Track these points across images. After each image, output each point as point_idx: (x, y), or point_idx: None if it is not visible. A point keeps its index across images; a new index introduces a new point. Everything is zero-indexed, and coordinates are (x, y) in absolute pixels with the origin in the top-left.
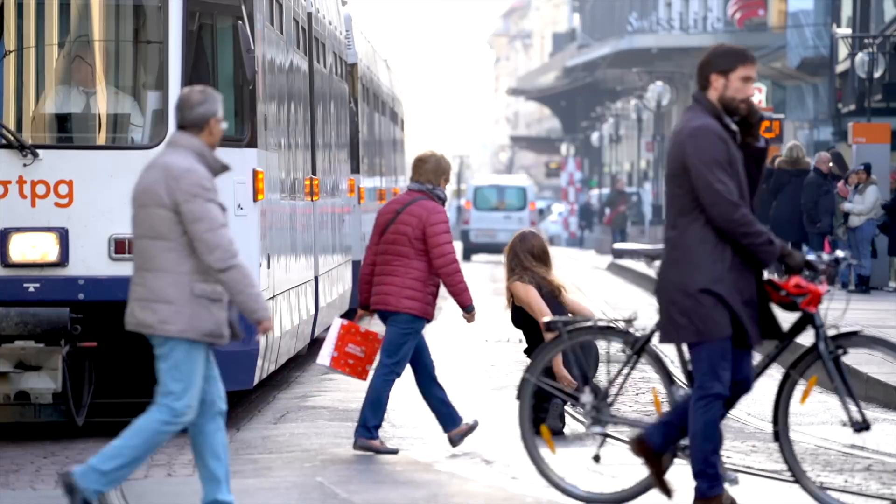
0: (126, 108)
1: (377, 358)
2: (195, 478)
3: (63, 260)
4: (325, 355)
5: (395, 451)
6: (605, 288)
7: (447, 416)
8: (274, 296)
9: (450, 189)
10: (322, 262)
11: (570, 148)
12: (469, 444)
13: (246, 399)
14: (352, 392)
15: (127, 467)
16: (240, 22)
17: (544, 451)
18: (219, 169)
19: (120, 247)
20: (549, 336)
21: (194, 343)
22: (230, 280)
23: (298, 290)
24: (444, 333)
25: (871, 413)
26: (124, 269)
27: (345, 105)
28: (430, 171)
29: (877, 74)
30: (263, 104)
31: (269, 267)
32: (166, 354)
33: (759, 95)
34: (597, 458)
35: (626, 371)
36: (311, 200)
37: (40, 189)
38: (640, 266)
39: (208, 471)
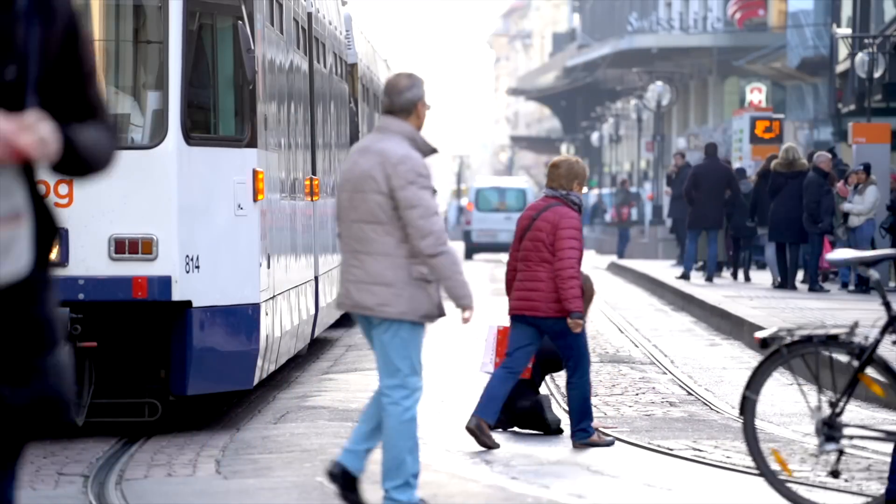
0: (126, 108)
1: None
2: (195, 477)
3: (63, 260)
4: (487, 363)
5: (612, 443)
6: (605, 288)
7: (487, 408)
8: (274, 296)
9: (449, 189)
10: (322, 262)
11: (570, 148)
12: (469, 444)
13: (246, 399)
14: (352, 392)
15: (414, 461)
16: (240, 22)
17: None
18: (428, 151)
19: (120, 247)
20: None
21: (414, 324)
22: (439, 265)
23: (298, 290)
24: (445, 333)
25: (872, 413)
26: (124, 269)
27: (345, 105)
28: (563, 177)
29: (877, 74)
30: (263, 104)
31: (269, 267)
32: (391, 336)
33: (759, 95)
34: (835, 474)
35: (851, 384)
36: (311, 200)
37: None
38: (640, 266)
39: (366, 431)
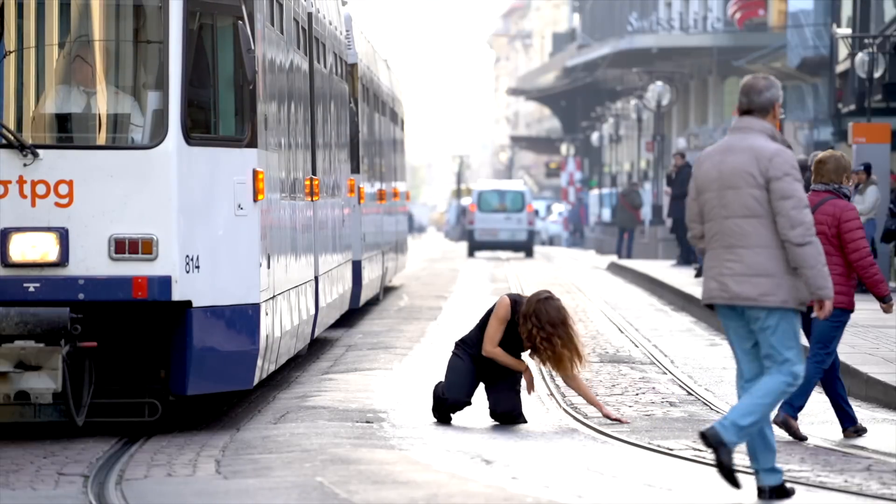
0: (126, 108)
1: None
2: (195, 477)
3: (63, 260)
4: None
5: (804, 438)
6: (605, 288)
7: (844, 414)
8: (274, 296)
9: (449, 190)
10: (322, 262)
11: (570, 148)
12: (469, 444)
13: (246, 399)
14: (352, 392)
15: (757, 423)
16: (240, 22)
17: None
18: (787, 147)
19: (120, 247)
20: None
21: (794, 311)
22: (806, 255)
23: (298, 290)
24: (445, 332)
25: (872, 413)
26: (124, 268)
27: (345, 105)
28: (832, 171)
29: (877, 74)
30: (263, 104)
31: (269, 267)
32: (773, 325)
33: None
34: None
35: None
36: (311, 200)
37: (40, 189)
38: (640, 266)
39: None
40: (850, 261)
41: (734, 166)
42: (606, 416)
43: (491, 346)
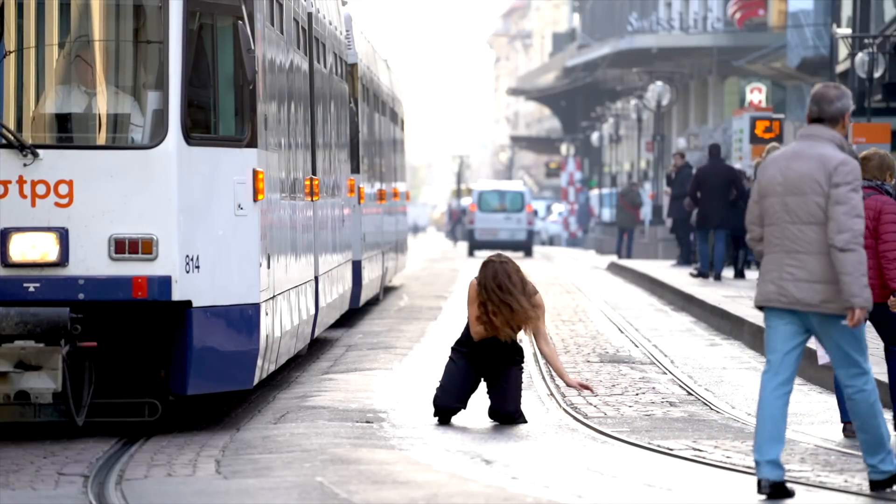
0: (126, 108)
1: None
2: (195, 477)
3: (63, 260)
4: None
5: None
6: (605, 288)
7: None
8: (274, 296)
9: (449, 189)
10: (322, 262)
11: (570, 148)
12: (469, 444)
13: (246, 399)
14: (352, 392)
15: (887, 430)
16: (240, 22)
17: None
18: (855, 158)
19: (120, 247)
20: None
21: None
22: (847, 260)
23: (298, 290)
24: (445, 332)
25: None
26: (124, 268)
27: (345, 105)
28: (875, 168)
29: (877, 74)
30: (263, 104)
31: (269, 267)
32: (841, 330)
33: (759, 95)
34: None
35: None
36: (311, 200)
37: (40, 189)
38: (640, 266)
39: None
40: (879, 250)
41: (801, 173)
42: (570, 385)
43: (474, 330)
